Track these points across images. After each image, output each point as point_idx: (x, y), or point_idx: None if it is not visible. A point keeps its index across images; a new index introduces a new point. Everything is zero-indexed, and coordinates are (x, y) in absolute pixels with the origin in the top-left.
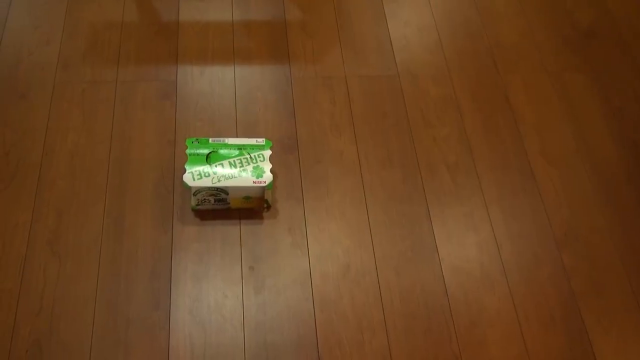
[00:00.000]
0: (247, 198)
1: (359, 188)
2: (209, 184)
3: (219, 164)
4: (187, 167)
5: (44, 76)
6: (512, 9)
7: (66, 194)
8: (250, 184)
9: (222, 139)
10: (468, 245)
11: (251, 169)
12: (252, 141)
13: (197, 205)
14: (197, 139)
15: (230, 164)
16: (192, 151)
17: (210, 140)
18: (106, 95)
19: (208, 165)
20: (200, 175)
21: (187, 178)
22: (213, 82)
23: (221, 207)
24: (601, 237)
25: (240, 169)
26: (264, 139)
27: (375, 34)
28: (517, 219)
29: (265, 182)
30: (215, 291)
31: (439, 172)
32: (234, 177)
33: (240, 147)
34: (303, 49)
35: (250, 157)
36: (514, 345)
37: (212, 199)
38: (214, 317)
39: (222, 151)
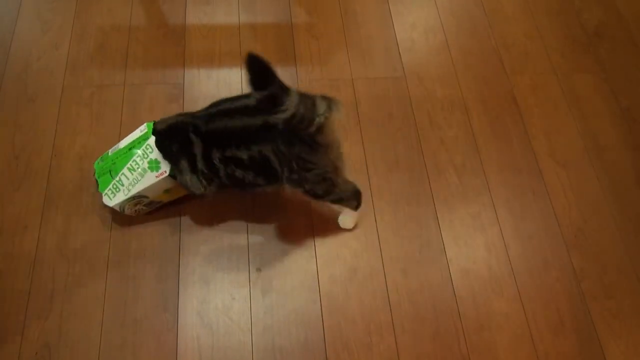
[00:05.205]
0: (167, 191)
1: (366, 189)
2: (124, 197)
3: (121, 175)
4: (100, 190)
5: (53, 80)
6: (519, 10)
7: (75, 196)
8: (155, 179)
9: (116, 145)
10: (476, 247)
11: (146, 165)
12: (137, 133)
13: (137, 213)
14: (101, 158)
15: (129, 169)
16: (99, 173)
17: (110, 152)
18: (114, 98)
19: (114, 180)
20: (112, 192)
21: (106, 201)
22: (220, 84)
23: (157, 206)
24: (611, 238)
25: (139, 170)
26: (145, 125)
27: (381, 35)
28: (525, 220)
29: (166, 172)
30: (222, 293)
31: (446, 173)
32: (139, 180)
33: (130, 147)
34: (309, 51)
35: (142, 154)
36: (523, 348)
37: (140, 206)
38: (222, 319)
39: (119, 160)
